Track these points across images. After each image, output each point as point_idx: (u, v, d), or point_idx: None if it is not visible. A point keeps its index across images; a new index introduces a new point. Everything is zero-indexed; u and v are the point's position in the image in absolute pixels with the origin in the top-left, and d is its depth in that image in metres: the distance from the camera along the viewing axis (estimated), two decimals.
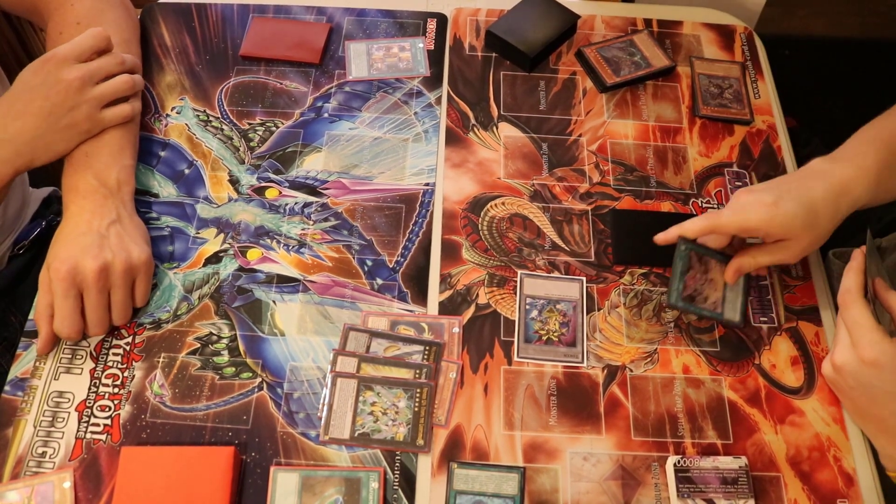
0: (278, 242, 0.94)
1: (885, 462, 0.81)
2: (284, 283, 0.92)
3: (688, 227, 0.86)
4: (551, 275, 0.93)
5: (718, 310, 0.88)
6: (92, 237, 0.84)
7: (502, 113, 1.07)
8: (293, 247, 0.94)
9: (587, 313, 0.91)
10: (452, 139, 1.04)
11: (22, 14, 1.10)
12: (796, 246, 0.84)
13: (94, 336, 0.87)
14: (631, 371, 0.87)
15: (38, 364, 0.86)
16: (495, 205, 0.99)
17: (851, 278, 0.81)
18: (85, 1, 1.00)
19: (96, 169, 0.89)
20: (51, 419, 0.82)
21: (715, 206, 0.99)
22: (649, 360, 0.88)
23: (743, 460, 0.81)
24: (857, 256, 0.83)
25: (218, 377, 0.85)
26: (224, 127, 1.04)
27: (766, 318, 0.91)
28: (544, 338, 0.89)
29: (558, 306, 0.91)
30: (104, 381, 0.85)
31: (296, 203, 0.98)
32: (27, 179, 1.17)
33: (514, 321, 0.90)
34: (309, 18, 1.16)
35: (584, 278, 0.93)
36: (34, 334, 0.86)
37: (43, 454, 0.80)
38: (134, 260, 0.85)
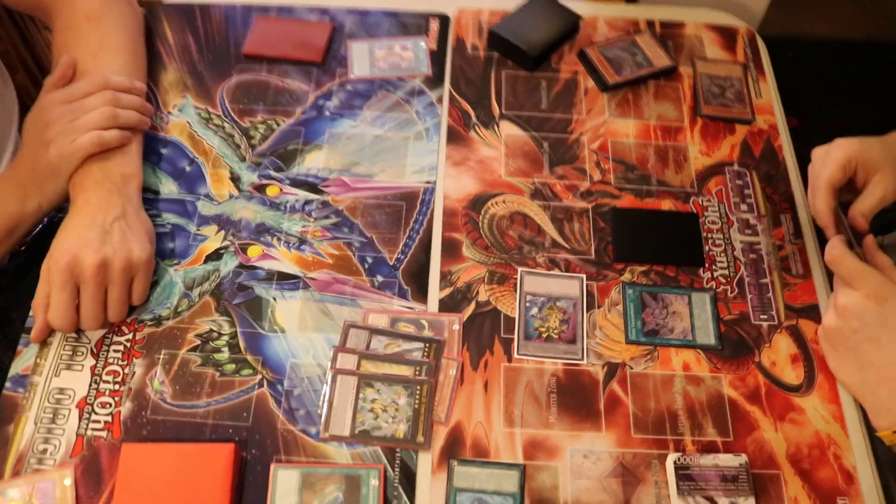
0: (279, 239, 0.95)
1: (880, 421, 0.82)
2: (285, 280, 0.92)
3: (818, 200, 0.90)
4: (551, 272, 0.93)
5: (689, 337, 0.89)
6: (95, 231, 0.84)
7: (504, 111, 1.07)
8: (294, 244, 0.94)
9: (587, 311, 0.91)
10: (453, 137, 1.04)
11: (26, 10, 1.10)
12: (885, 179, 0.88)
13: (87, 330, 0.87)
14: (631, 368, 0.87)
15: (38, 361, 0.86)
16: (496, 203, 0.99)
17: (835, 240, 0.85)
18: None
19: (101, 163, 0.90)
20: (52, 416, 0.82)
21: (715, 204, 0.99)
22: (649, 357, 0.88)
23: (743, 458, 0.81)
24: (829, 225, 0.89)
25: (218, 374, 0.85)
26: (225, 125, 1.04)
27: (766, 316, 0.91)
28: (544, 335, 0.89)
29: (558, 304, 0.91)
30: (105, 377, 0.85)
31: (297, 200, 0.98)
32: None
33: (514, 318, 0.90)
34: (311, 18, 1.16)
35: (585, 276, 0.93)
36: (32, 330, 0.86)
37: (44, 451, 0.80)
38: (134, 258, 0.85)
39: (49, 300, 0.84)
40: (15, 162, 0.91)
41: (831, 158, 0.89)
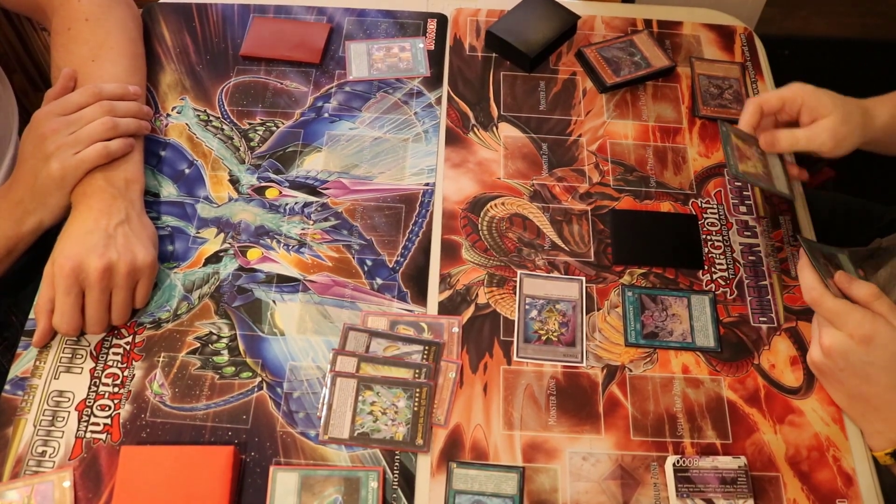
0: (278, 242, 0.95)
1: (873, 442, 0.83)
2: (284, 282, 0.92)
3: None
4: (551, 275, 0.93)
5: (688, 339, 0.90)
6: (99, 236, 0.84)
7: (502, 113, 1.07)
8: (293, 246, 0.94)
9: (586, 313, 0.91)
10: (452, 139, 1.04)
11: (22, 11, 1.10)
12: (829, 125, 0.88)
13: (92, 334, 0.87)
14: (630, 371, 0.87)
15: (38, 363, 0.86)
16: (495, 205, 0.99)
17: (807, 276, 0.83)
18: None
19: (104, 170, 0.89)
20: (51, 418, 0.82)
21: (714, 206, 0.99)
22: (648, 359, 0.88)
23: (742, 460, 0.81)
24: (802, 256, 0.85)
25: (218, 377, 0.85)
26: (224, 127, 1.04)
27: (765, 319, 0.91)
28: (544, 338, 0.89)
29: (558, 306, 0.91)
30: (104, 380, 0.85)
31: (296, 203, 0.98)
32: None
33: (513, 321, 0.90)
34: (309, 18, 1.16)
35: (584, 278, 0.93)
36: (34, 334, 0.86)
37: (43, 453, 0.80)
38: (138, 262, 0.85)
39: (52, 304, 0.84)
40: (12, 179, 0.91)
41: (777, 89, 0.92)
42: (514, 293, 0.92)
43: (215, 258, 0.93)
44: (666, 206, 1.00)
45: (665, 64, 1.12)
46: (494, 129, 1.06)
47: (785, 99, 0.90)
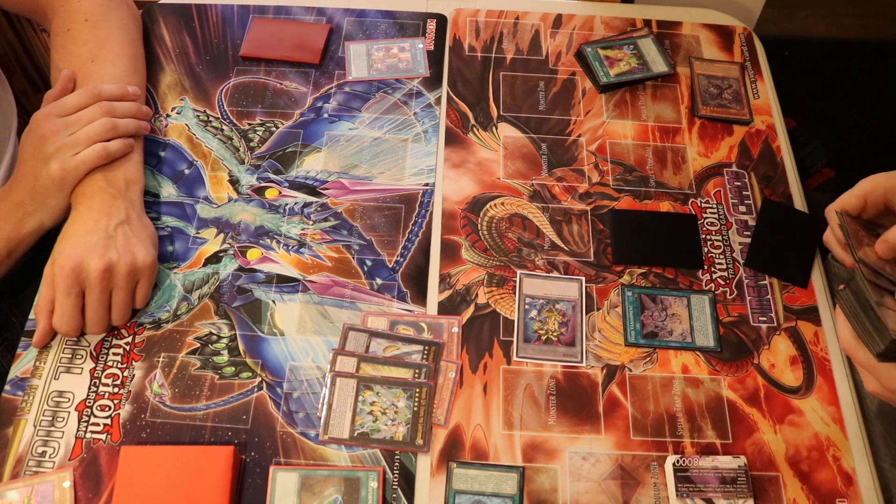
0: (278, 242, 0.95)
1: None
2: (284, 282, 0.92)
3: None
4: (550, 275, 0.93)
5: (688, 339, 0.89)
6: (99, 236, 0.84)
7: (502, 113, 1.07)
8: (293, 247, 0.94)
9: (586, 313, 0.91)
10: (452, 139, 1.04)
11: (22, 13, 1.10)
12: None
13: (92, 335, 0.87)
14: (630, 371, 0.87)
15: (38, 364, 0.86)
16: (495, 205, 0.99)
17: (840, 325, 0.74)
18: None
19: (104, 170, 0.89)
20: (51, 419, 0.82)
21: (714, 206, 0.99)
22: (648, 359, 0.88)
23: (742, 460, 0.81)
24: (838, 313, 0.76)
25: (217, 377, 0.85)
26: (224, 127, 1.04)
27: (765, 318, 0.91)
28: (543, 337, 0.89)
29: (557, 306, 0.91)
30: (104, 380, 0.85)
31: (295, 203, 0.98)
32: None
33: (513, 321, 0.90)
34: (309, 19, 1.16)
35: (584, 278, 0.93)
36: (34, 334, 0.86)
37: (43, 454, 0.80)
38: (139, 262, 0.85)
39: (52, 305, 0.84)
40: (12, 181, 0.91)
41: (850, 190, 0.79)
42: (514, 293, 0.92)
43: (215, 258, 0.93)
44: (665, 206, 1.00)
45: (664, 70, 1.11)
46: (494, 129, 1.06)
47: (862, 196, 0.77)
